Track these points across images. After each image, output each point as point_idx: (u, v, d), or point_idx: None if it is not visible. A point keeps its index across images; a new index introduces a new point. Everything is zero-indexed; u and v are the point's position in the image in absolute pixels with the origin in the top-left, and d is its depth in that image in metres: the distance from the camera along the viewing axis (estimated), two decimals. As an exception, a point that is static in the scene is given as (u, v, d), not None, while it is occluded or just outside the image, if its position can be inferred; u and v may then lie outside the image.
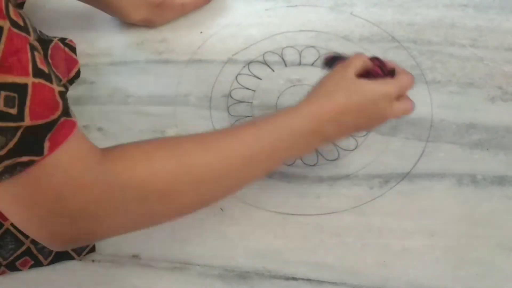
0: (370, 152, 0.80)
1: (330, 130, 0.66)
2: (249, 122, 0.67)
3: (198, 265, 0.71)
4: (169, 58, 0.90)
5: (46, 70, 0.48)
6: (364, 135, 0.81)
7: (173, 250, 0.72)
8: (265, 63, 0.89)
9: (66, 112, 0.50)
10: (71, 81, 0.78)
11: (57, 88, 0.48)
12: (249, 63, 0.89)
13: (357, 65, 0.68)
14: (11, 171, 0.47)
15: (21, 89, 0.45)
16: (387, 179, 0.77)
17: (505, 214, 0.75)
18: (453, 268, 0.71)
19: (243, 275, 0.71)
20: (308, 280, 0.70)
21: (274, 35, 0.92)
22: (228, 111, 0.84)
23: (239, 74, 0.88)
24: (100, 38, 0.92)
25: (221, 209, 0.75)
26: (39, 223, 0.52)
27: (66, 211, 0.51)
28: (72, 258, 0.70)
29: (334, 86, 0.67)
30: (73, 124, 0.51)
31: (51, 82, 0.48)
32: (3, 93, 0.44)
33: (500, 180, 0.77)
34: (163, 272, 0.71)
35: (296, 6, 0.95)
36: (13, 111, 0.45)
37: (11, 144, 0.46)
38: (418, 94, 0.84)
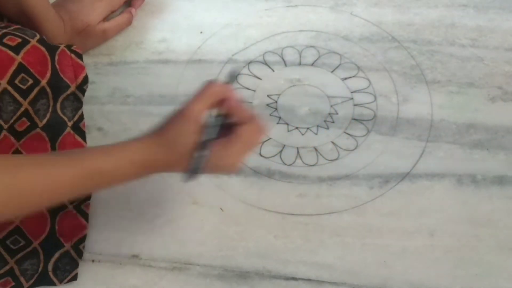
0: (370, 152, 0.80)
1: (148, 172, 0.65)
2: (91, 151, 0.66)
3: (198, 265, 0.71)
4: (169, 58, 0.90)
5: None
6: (364, 135, 0.81)
7: (173, 250, 0.72)
8: (265, 63, 0.89)
9: None
10: (81, 88, 0.78)
11: None
12: (249, 63, 0.89)
13: (196, 114, 0.64)
14: None
15: None
16: (387, 179, 0.78)
17: (505, 214, 0.75)
18: (453, 268, 0.71)
19: (243, 275, 0.71)
20: (308, 280, 0.70)
21: (274, 35, 0.92)
22: (228, 111, 0.84)
23: (239, 74, 0.88)
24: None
25: (221, 209, 0.75)
26: None
27: None
28: (53, 284, 0.70)
29: (172, 138, 0.64)
30: None
31: None
32: None
33: (500, 180, 0.77)
34: (163, 272, 0.71)
35: (296, 6, 0.95)
36: None
37: None
38: (418, 94, 0.85)
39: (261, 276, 0.71)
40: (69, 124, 0.77)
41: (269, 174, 0.78)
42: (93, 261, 0.72)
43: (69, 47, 0.79)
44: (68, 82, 0.77)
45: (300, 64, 0.89)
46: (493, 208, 0.75)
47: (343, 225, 0.74)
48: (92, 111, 0.84)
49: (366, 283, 0.70)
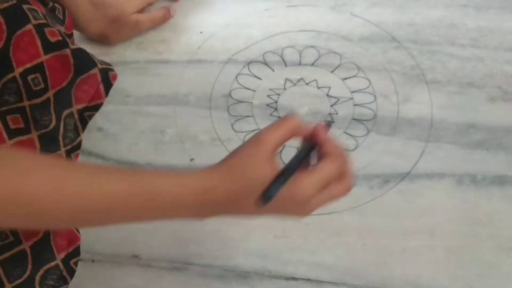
0: (370, 152, 0.80)
1: (221, 211, 0.59)
2: (149, 171, 0.63)
3: (198, 265, 0.71)
4: (169, 58, 0.90)
5: None
6: (364, 135, 0.81)
7: (173, 250, 0.72)
8: (265, 63, 0.89)
9: None
10: (86, 114, 0.76)
11: None
12: (249, 63, 0.89)
13: (271, 143, 0.59)
14: None
15: None
16: (387, 179, 0.78)
17: (505, 214, 0.75)
18: (453, 268, 0.71)
19: (243, 275, 0.71)
20: (308, 280, 0.70)
21: (274, 35, 0.92)
22: (228, 111, 0.84)
23: (239, 74, 0.88)
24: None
25: (221, 209, 0.75)
26: None
27: None
28: None
29: (239, 165, 0.58)
30: None
31: None
32: None
33: (500, 180, 0.77)
34: (163, 272, 0.71)
35: (296, 6, 0.95)
36: None
37: None
38: (418, 94, 0.85)
39: (261, 276, 0.71)
40: (62, 149, 0.70)
41: (269, 174, 0.78)
42: (93, 261, 0.72)
43: (105, 71, 0.74)
44: (73, 102, 0.72)
45: (300, 64, 0.89)
46: (493, 208, 0.75)
47: (343, 225, 0.74)
48: (92, 111, 0.84)
49: (366, 283, 0.70)
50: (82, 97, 0.74)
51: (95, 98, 0.76)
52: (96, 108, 0.74)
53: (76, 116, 0.73)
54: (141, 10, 0.90)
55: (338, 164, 0.60)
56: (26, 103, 0.68)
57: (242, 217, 0.63)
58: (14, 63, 0.66)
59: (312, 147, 0.61)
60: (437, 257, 0.72)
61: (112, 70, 0.77)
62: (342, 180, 0.60)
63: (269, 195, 0.56)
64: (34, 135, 0.69)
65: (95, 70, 0.76)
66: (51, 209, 0.54)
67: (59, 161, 0.60)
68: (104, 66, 0.76)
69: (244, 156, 0.58)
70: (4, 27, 0.64)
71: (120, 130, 0.82)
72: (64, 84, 0.71)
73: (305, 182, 0.58)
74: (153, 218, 0.59)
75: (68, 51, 0.71)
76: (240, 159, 0.58)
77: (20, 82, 0.67)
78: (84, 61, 0.74)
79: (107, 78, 0.76)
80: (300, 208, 0.59)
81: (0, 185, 0.53)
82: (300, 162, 0.59)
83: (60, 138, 0.72)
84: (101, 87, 0.76)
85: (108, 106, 0.85)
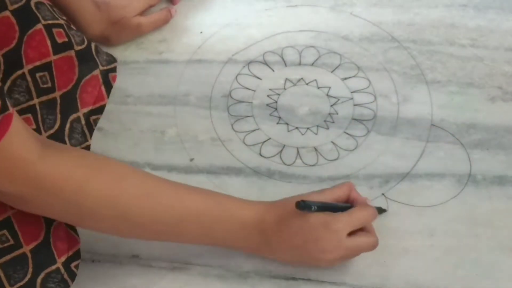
0: (370, 152, 0.80)
1: (271, 240, 0.67)
2: (214, 193, 0.68)
3: (198, 265, 0.71)
4: (169, 58, 0.90)
5: None
6: (364, 135, 0.81)
7: (173, 250, 0.72)
8: (265, 63, 0.89)
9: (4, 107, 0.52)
10: (92, 118, 0.78)
11: None
12: (249, 63, 0.89)
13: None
14: None
15: None
16: (387, 179, 0.78)
17: (505, 214, 0.75)
18: (453, 268, 0.71)
19: (243, 275, 0.71)
20: (308, 280, 0.70)
21: (274, 35, 0.92)
22: (228, 111, 0.84)
23: (239, 74, 0.88)
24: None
25: (221, 209, 0.75)
26: None
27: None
28: None
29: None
30: (10, 117, 0.53)
31: None
32: None
33: (500, 180, 0.77)
34: (163, 272, 0.71)
35: (296, 6, 0.95)
36: None
37: None
38: (418, 94, 0.85)
39: (261, 276, 0.71)
40: None
41: (269, 174, 0.78)
42: (93, 261, 0.72)
43: (106, 72, 0.79)
44: (79, 106, 0.76)
45: (300, 64, 0.89)
46: (493, 208, 0.75)
47: (343, 225, 0.74)
48: (92, 111, 0.84)
49: (366, 283, 0.70)
50: (87, 99, 0.76)
51: (99, 99, 0.77)
52: (101, 110, 0.77)
53: (83, 121, 0.76)
54: (142, 12, 0.90)
55: (366, 215, 0.68)
56: (35, 100, 0.70)
57: (284, 253, 0.68)
58: (24, 60, 0.68)
59: (350, 207, 0.69)
60: (437, 257, 0.72)
61: (112, 70, 0.78)
62: (368, 233, 0.68)
63: (308, 204, 0.64)
64: (44, 136, 0.70)
65: (97, 72, 0.77)
66: (137, 214, 0.62)
67: (146, 172, 0.67)
68: (105, 68, 0.77)
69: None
70: (17, 27, 0.67)
71: (120, 130, 0.82)
72: (69, 87, 0.73)
73: (338, 215, 0.66)
74: (220, 238, 0.67)
75: (72, 52, 0.72)
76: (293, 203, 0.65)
77: (29, 79, 0.69)
78: (87, 63, 0.74)
79: (108, 80, 0.77)
80: (335, 237, 0.66)
81: (102, 189, 0.60)
82: (337, 210, 0.68)
83: (66, 139, 0.73)
84: (103, 89, 0.77)
85: (108, 106, 0.84)
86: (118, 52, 0.90)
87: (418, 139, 0.81)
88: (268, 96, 0.85)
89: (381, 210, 0.73)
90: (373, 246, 0.69)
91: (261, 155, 0.80)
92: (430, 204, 0.75)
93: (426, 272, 0.71)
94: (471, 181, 0.77)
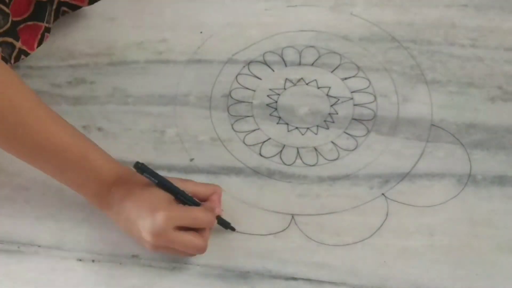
0: (370, 152, 0.80)
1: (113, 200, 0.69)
2: (85, 139, 0.71)
3: (198, 265, 0.71)
4: (169, 58, 0.90)
5: None
6: (364, 135, 0.81)
7: (173, 250, 0.72)
8: (265, 63, 0.89)
9: None
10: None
11: None
12: (249, 63, 0.89)
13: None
14: None
15: None
16: (387, 179, 0.78)
17: (505, 214, 0.75)
18: (453, 268, 0.71)
19: (243, 275, 0.71)
20: (308, 280, 0.70)
21: (274, 35, 0.92)
22: (228, 111, 0.84)
23: (239, 74, 0.88)
24: (100, 38, 0.92)
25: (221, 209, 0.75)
26: None
27: None
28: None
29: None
30: None
31: None
32: None
33: (500, 180, 0.77)
34: (163, 272, 0.71)
35: (296, 6, 0.95)
36: None
37: None
38: (418, 94, 0.85)
39: (261, 276, 0.71)
40: None
41: (269, 174, 0.78)
42: (93, 261, 0.72)
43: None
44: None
45: (300, 64, 0.89)
46: (493, 208, 0.75)
47: (343, 225, 0.74)
48: (92, 111, 0.84)
49: (366, 283, 0.70)
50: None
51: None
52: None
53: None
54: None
55: (203, 217, 0.69)
56: None
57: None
58: None
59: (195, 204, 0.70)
60: (437, 257, 0.72)
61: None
62: (198, 235, 0.68)
63: (142, 166, 0.68)
64: None
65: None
66: (27, 123, 0.65)
67: (30, 96, 0.69)
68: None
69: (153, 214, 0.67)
70: None
71: (120, 130, 0.82)
72: None
73: (176, 206, 0.68)
74: (74, 182, 0.70)
75: None
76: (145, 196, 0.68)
77: None
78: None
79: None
80: (163, 223, 0.66)
81: None
82: (183, 195, 0.69)
83: None
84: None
85: (108, 106, 0.85)
86: (118, 52, 0.90)
87: (418, 139, 0.81)
88: (268, 96, 0.85)
89: (227, 225, 0.73)
90: (198, 250, 0.69)
91: (261, 155, 0.80)
92: (430, 204, 0.75)
93: (426, 272, 0.71)
94: (471, 181, 0.77)
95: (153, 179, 0.68)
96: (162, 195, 0.68)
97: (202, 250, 0.69)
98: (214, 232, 0.73)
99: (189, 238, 0.68)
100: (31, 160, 0.69)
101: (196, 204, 0.70)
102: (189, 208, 0.69)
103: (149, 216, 0.66)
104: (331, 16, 0.94)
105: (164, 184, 0.69)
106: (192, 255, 0.70)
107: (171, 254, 0.70)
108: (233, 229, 0.73)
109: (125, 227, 0.70)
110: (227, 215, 0.74)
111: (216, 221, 0.71)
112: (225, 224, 0.72)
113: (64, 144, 0.67)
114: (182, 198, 0.69)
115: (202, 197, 0.71)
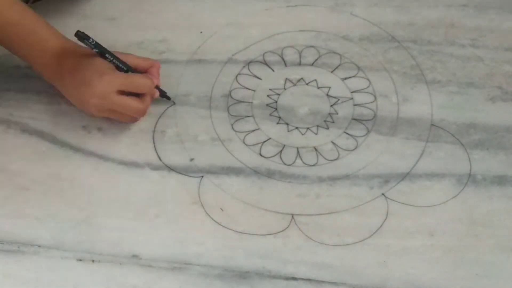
0: (370, 152, 0.80)
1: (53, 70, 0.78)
2: (33, 14, 0.78)
3: (198, 265, 0.71)
4: (169, 58, 0.90)
5: None
6: (364, 135, 0.81)
7: (173, 250, 0.72)
8: (265, 63, 0.89)
9: None
10: None
11: None
12: (249, 63, 0.89)
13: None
14: None
15: None
16: (387, 179, 0.78)
17: (505, 214, 0.75)
18: (453, 268, 0.71)
19: (243, 275, 0.71)
20: (308, 280, 0.70)
21: (274, 35, 0.92)
22: (228, 111, 0.84)
23: (239, 74, 0.88)
24: (100, 38, 0.92)
25: (221, 209, 0.75)
26: None
27: None
28: None
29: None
30: None
31: None
32: None
33: (500, 180, 0.77)
34: (163, 272, 0.71)
35: (296, 6, 0.95)
36: None
37: None
38: (418, 94, 0.85)
39: (261, 276, 0.71)
40: None
41: (269, 174, 0.78)
42: (93, 261, 0.72)
43: None
44: None
45: (300, 64, 0.89)
46: (493, 208, 0.75)
47: (343, 225, 0.74)
48: (92, 111, 0.84)
49: (366, 283, 0.70)
50: None
51: None
52: None
53: None
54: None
55: (142, 82, 0.78)
56: None
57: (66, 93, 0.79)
58: None
59: (128, 66, 0.79)
60: (437, 257, 0.72)
61: None
62: (139, 100, 0.78)
63: (83, 34, 0.75)
64: None
65: None
66: None
67: None
68: None
69: (92, 76, 0.75)
70: None
71: (120, 130, 0.82)
72: None
73: (118, 72, 0.77)
74: (26, 54, 0.78)
75: None
76: (92, 69, 0.76)
77: None
78: None
79: None
80: (106, 86, 0.75)
81: None
82: (115, 61, 0.78)
83: None
84: None
85: (108, 106, 0.85)
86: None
87: (418, 139, 0.81)
88: (268, 96, 0.85)
89: (163, 94, 0.82)
90: (137, 112, 0.79)
91: (261, 155, 0.80)
92: (430, 204, 0.75)
93: (426, 272, 0.71)
94: (471, 181, 0.77)
95: (93, 47, 0.76)
96: (106, 64, 0.77)
97: (141, 113, 0.79)
98: (215, 232, 0.73)
99: (130, 101, 0.77)
100: None
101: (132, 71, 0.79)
102: (130, 74, 0.78)
103: (95, 81, 0.74)
104: (331, 16, 0.94)
105: (105, 53, 0.77)
106: (133, 120, 0.80)
107: (113, 118, 0.79)
108: (168, 98, 0.82)
109: (74, 96, 0.78)
110: (227, 215, 0.74)
111: (156, 90, 0.80)
112: (162, 93, 0.82)
113: (14, 20, 0.76)
114: (122, 66, 0.78)
115: (141, 70, 0.81)
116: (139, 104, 0.78)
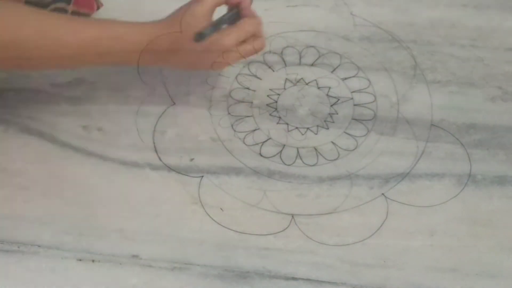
0: (370, 152, 0.80)
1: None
2: (107, 21, 0.78)
3: (198, 265, 0.71)
4: (169, 58, 0.89)
5: None
6: (364, 135, 0.81)
7: (173, 250, 0.72)
8: (265, 63, 0.89)
9: None
10: None
11: None
12: (249, 63, 0.89)
13: (209, 2, 0.77)
14: None
15: None
16: (387, 179, 0.78)
17: (505, 214, 0.75)
18: (453, 268, 0.71)
19: (243, 275, 0.71)
20: (308, 280, 0.70)
21: (274, 35, 0.92)
22: (228, 111, 0.84)
23: (239, 74, 0.88)
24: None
25: (221, 209, 0.75)
26: None
27: None
28: None
29: (180, 18, 0.77)
30: None
31: None
32: None
33: (500, 180, 0.77)
34: (163, 272, 0.71)
35: (296, 6, 0.95)
36: None
37: None
38: (418, 94, 0.85)
39: (261, 276, 0.71)
40: None
41: (269, 174, 0.78)
42: (93, 261, 0.72)
43: None
44: None
45: (300, 64, 0.89)
46: (493, 208, 0.75)
47: (343, 225, 0.74)
48: (92, 111, 0.84)
49: (366, 283, 0.70)
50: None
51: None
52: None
53: None
54: None
55: (254, 25, 0.78)
56: None
57: (179, 65, 0.80)
58: None
59: (237, 12, 0.79)
60: (437, 257, 0.72)
61: None
62: (256, 39, 0.79)
63: (204, 33, 0.75)
64: None
65: None
66: (37, 54, 0.71)
67: (43, 11, 0.76)
68: None
69: (185, 11, 0.76)
70: None
71: (120, 130, 0.82)
72: None
73: (228, 32, 0.77)
74: (116, 61, 0.77)
75: None
76: (183, 14, 0.76)
77: None
78: None
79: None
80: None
81: (2, 34, 0.67)
82: (228, 20, 0.78)
83: None
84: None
85: (108, 106, 0.85)
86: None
87: (418, 139, 0.81)
88: (268, 96, 0.85)
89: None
90: (260, 49, 0.80)
91: (261, 155, 0.80)
92: (430, 204, 0.75)
93: (426, 272, 0.71)
94: (471, 181, 0.77)
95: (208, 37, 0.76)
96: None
97: (263, 46, 0.81)
98: (215, 232, 0.73)
99: (249, 47, 0.79)
100: (73, 66, 0.80)
101: (236, 13, 0.80)
102: (238, 26, 0.78)
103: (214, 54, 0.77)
104: (331, 16, 0.94)
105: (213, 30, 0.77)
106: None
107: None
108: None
109: (183, 67, 0.81)
110: (227, 215, 0.74)
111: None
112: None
113: (94, 35, 0.74)
114: (227, 20, 0.79)
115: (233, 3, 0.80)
116: (256, 47, 0.79)
